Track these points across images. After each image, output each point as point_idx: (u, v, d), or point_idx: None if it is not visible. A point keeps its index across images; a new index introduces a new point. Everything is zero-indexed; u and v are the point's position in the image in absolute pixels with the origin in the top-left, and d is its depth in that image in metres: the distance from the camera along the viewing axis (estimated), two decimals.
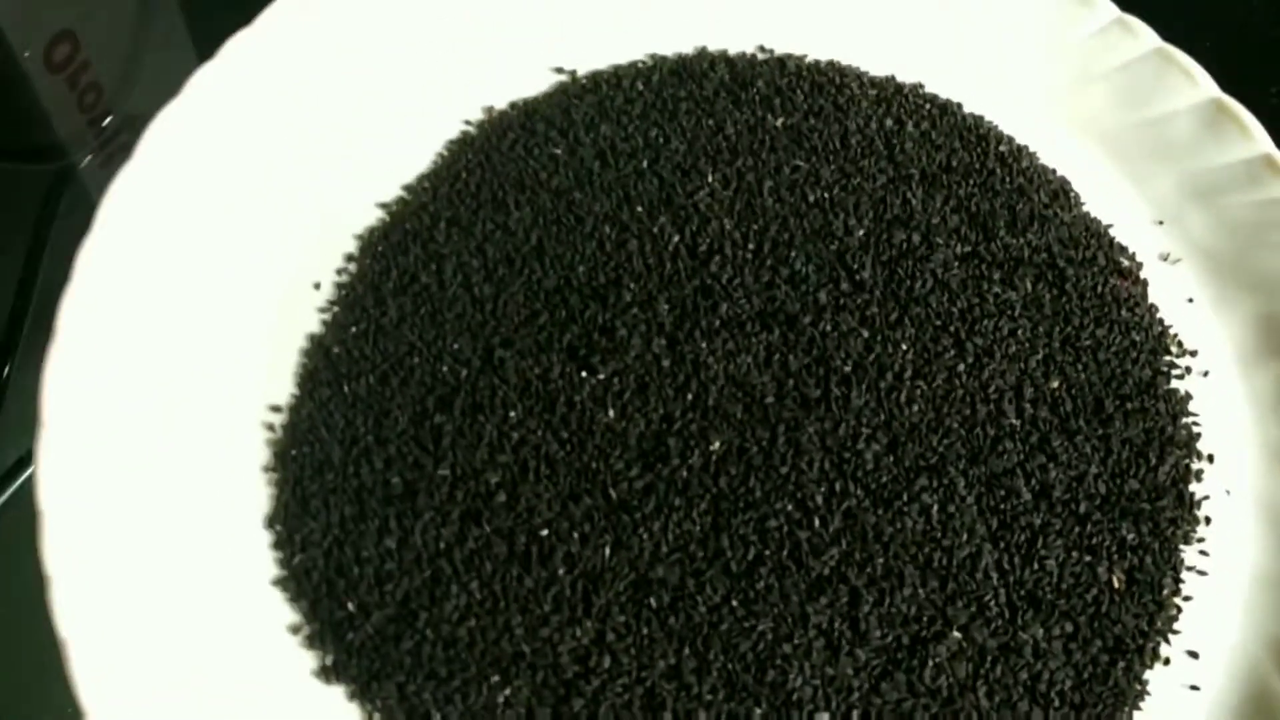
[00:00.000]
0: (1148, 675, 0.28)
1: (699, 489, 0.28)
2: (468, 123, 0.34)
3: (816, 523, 0.28)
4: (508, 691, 0.25)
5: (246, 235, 0.31)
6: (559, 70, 0.36)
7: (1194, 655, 0.28)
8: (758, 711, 0.26)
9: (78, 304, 0.27)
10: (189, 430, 0.28)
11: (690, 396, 0.29)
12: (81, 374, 0.27)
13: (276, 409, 0.29)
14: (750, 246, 0.32)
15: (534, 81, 0.35)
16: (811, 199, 0.33)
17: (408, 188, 0.33)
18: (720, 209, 0.33)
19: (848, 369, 0.30)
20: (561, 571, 0.27)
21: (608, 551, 0.27)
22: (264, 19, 0.32)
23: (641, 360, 0.29)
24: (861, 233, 0.33)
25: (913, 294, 0.32)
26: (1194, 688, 0.28)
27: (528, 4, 0.36)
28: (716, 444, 0.28)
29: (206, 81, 0.31)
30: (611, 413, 0.29)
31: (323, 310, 0.30)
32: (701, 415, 0.29)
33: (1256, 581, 0.29)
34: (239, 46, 0.32)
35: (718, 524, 0.27)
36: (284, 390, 0.29)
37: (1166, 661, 0.28)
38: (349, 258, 0.31)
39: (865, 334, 0.31)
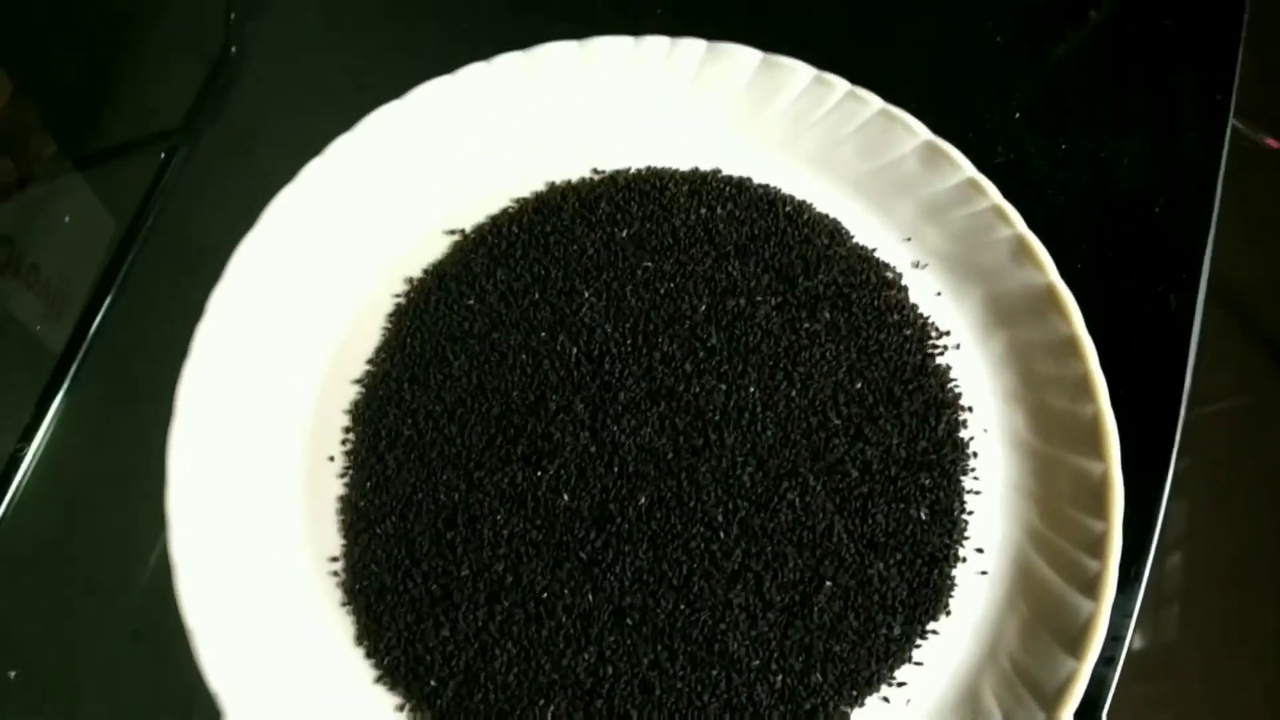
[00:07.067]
0: (954, 573, 0.42)
1: (639, 534, 0.40)
2: (397, 295, 0.45)
3: (722, 535, 0.40)
4: (552, 708, 0.38)
5: (274, 433, 0.42)
6: (451, 232, 0.46)
7: (981, 551, 0.42)
8: (714, 673, 0.39)
9: (182, 534, 0.38)
10: (286, 590, 0.39)
11: (615, 469, 0.41)
12: (210, 578, 0.38)
13: (335, 559, 0.40)
14: (628, 342, 0.44)
15: (436, 246, 0.46)
16: (662, 291, 0.45)
17: (370, 361, 0.44)
18: (600, 318, 0.44)
19: (717, 418, 0.42)
20: (564, 618, 0.39)
21: (590, 596, 0.39)
22: (233, 265, 0.42)
23: (574, 452, 0.41)
24: (704, 308, 0.45)
25: (749, 346, 0.44)
26: (983, 572, 0.42)
27: (413, 184, 0.47)
28: (642, 499, 0.41)
29: (213, 333, 0.41)
30: (565, 497, 0.41)
31: (342, 476, 0.41)
32: (627, 480, 0.41)
33: (1010, 489, 0.43)
34: (221, 301, 0.42)
35: (657, 555, 0.40)
36: (335, 543, 0.40)
37: (964, 559, 0.42)
38: (346, 430, 0.42)
39: (724, 387, 0.43)
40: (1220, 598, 0.90)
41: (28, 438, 0.45)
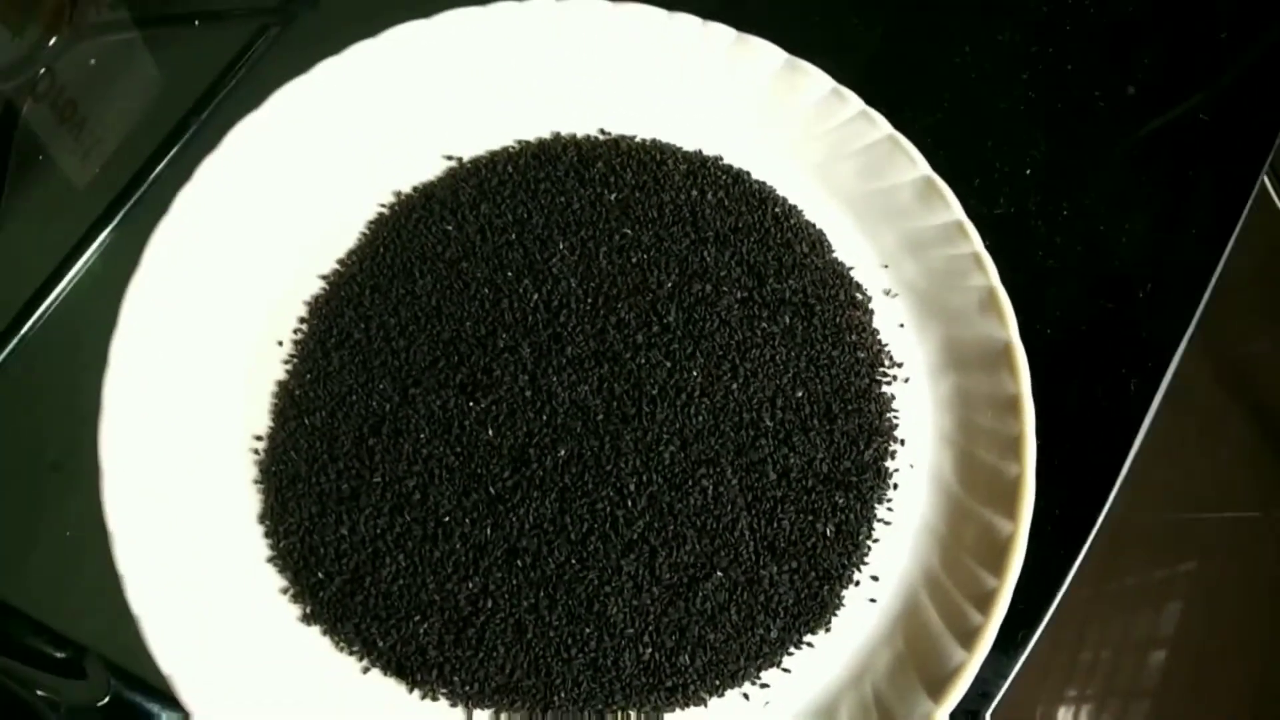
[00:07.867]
0: (844, 593, 0.43)
1: (550, 484, 0.41)
2: (382, 205, 0.46)
3: (629, 503, 0.41)
4: (425, 625, 0.39)
5: (232, 305, 0.43)
6: (449, 158, 0.48)
7: (875, 579, 0.43)
8: (587, 631, 0.40)
9: (119, 379, 0.39)
10: (205, 455, 0.41)
11: (545, 417, 0.42)
12: (135, 425, 0.39)
13: (259, 438, 0.41)
14: (589, 301, 0.44)
15: (431, 167, 0.47)
16: (634, 260, 0.46)
17: (341, 261, 0.45)
18: (568, 271, 0.45)
19: (655, 392, 0.43)
20: (458, 545, 0.40)
21: (489, 530, 0.41)
22: (229, 140, 0.43)
23: (510, 392, 0.42)
24: (669, 285, 0.45)
25: (703, 332, 0.45)
26: (872, 600, 0.43)
27: (422, 104, 0.48)
28: (563, 451, 0.42)
29: (197, 198, 0.43)
30: (490, 432, 0.42)
31: (286, 362, 0.43)
32: (552, 431, 0.42)
33: (920, 526, 0.44)
34: (208, 170, 0.43)
35: (563, 507, 0.41)
36: (263, 423, 0.42)
37: (857, 583, 0.43)
38: (301, 320, 0.43)
39: (668, 365, 0.44)
40: (1190, 704, 0.90)
41: (57, 276, 0.46)
